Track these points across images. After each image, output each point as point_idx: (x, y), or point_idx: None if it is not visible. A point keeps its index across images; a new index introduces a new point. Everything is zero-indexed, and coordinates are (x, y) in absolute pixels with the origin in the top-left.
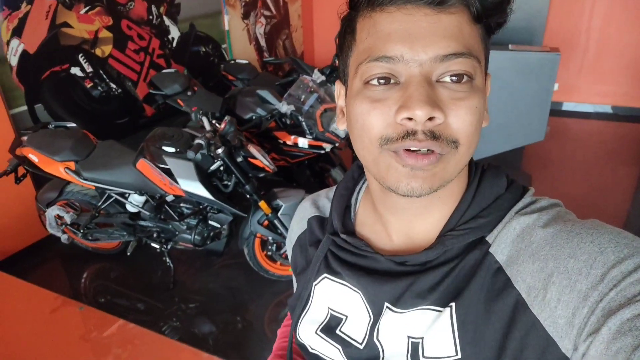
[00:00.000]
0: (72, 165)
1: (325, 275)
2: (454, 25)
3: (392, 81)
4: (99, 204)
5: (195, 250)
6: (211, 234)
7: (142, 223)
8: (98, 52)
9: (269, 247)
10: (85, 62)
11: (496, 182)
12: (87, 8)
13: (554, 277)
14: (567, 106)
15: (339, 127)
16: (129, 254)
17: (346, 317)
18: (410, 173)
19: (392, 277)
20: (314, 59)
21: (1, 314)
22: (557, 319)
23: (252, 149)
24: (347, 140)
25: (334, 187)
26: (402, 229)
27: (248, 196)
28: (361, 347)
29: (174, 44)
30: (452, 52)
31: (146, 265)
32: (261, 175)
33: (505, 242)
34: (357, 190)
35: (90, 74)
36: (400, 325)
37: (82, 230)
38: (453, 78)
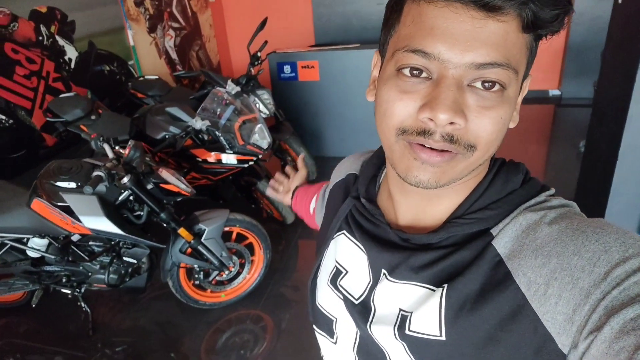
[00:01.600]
0: None
1: (343, 231)
2: (500, 33)
3: (423, 74)
4: None
5: (115, 289)
6: (129, 270)
7: (48, 268)
8: None
9: (196, 276)
10: None
11: (511, 178)
12: None
13: (556, 273)
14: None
15: (368, 97)
16: (34, 305)
17: (347, 272)
18: (421, 166)
19: (393, 247)
20: (232, 68)
21: None
22: (557, 315)
23: (165, 173)
24: (271, 149)
25: (371, 152)
26: (410, 210)
27: (165, 225)
28: (356, 302)
29: (72, 65)
30: (490, 62)
31: (59, 313)
32: (178, 199)
33: (510, 236)
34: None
35: None
36: (394, 295)
37: None
38: (485, 85)
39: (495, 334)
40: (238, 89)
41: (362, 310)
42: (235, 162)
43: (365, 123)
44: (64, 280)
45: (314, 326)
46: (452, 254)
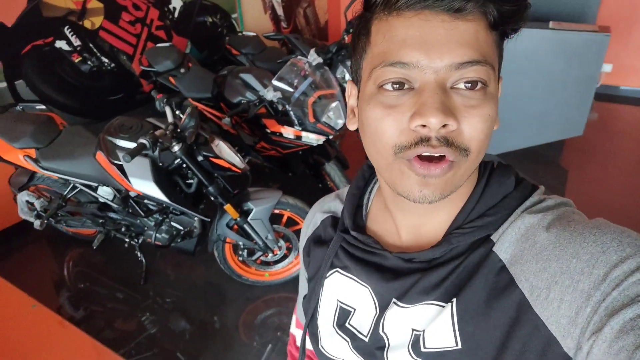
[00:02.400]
0: (32, 153)
1: (336, 269)
2: (471, 32)
3: (406, 86)
4: (65, 193)
5: (168, 248)
6: (180, 232)
7: (112, 215)
8: (87, 24)
9: (240, 253)
10: (72, 35)
11: (504, 181)
12: None
13: (557, 277)
14: (622, 91)
15: (350, 126)
16: (94, 247)
17: (354, 310)
18: (423, 181)
19: (399, 274)
20: (340, 30)
21: None
22: (560, 318)
23: (220, 146)
24: (344, 131)
25: (346, 188)
26: (411, 226)
27: (212, 198)
28: (366, 339)
29: (176, 14)
30: (468, 60)
31: (121, 256)
32: (229, 174)
33: (510, 241)
34: (369, 189)
35: (78, 48)
36: (405, 319)
37: (48, 220)
38: (467, 85)
39: (504, 339)
40: (320, 60)
41: (375, 345)
42: (296, 137)
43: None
44: (123, 229)
45: None
46: (458, 267)
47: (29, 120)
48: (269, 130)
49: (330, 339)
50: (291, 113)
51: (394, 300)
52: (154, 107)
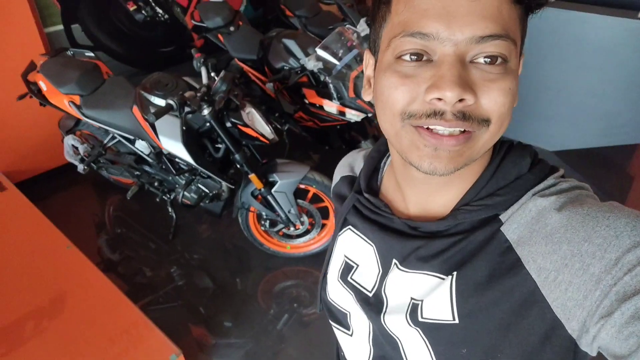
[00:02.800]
0: (76, 99)
1: (349, 227)
2: (494, 5)
3: (424, 58)
4: (106, 142)
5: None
6: (209, 194)
7: (147, 169)
8: None
9: (263, 223)
10: None
11: (519, 161)
12: None
13: (567, 260)
14: None
15: (365, 97)
16: (128, 197)
17: (357, 265)
18: (434, 153)
19: (403, 237)
20: None
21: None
22: (567, 301)
23: (252, 114)
24: None
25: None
26: (419, 201)
27: (238, 166)
28: (370, 294)
29: None
30: (490, 34)
31: (154, 209)
32: (256, 143)
33: (519, 222)
34: (387, 155)
35: None
36: (405, 284)
37: (89, 165)
38: (487, 59)
39: (506, 319)
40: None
41: (375, 302)
42: (335, 112)
43: (528, 98)
44: (156, 184)
45: (329, 319)
46: (461, 242)
47: (76, 67)
48: (307, 101)
49: (337, 291)
50: (331, 85)
51: (394, 261)
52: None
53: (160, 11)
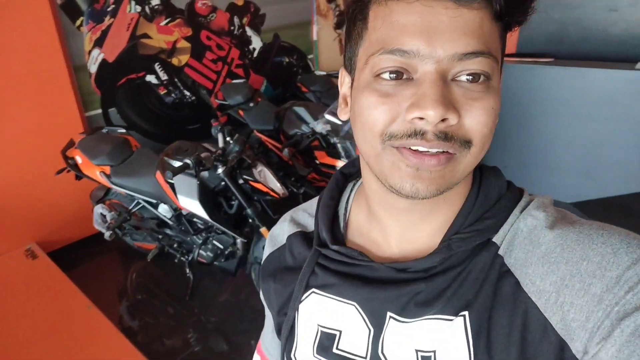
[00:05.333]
0: (107, 169)
1: (312, 290)
2: (476, 21)
3: (404, 76)
4: (131, 207)
5: (212, 266)
6: (225, 252)
7: (167, 231)
8: (175, 61)
9: None
10: (161, 71)
11: (496, 182)
12: (168, 20)
13: (566, 280)
14: None
15: (341, 116)
16: (149, 259)
17: (340, 332)
18: (416, 173)
19: (393, 285)
20: None
21: (26, 294)
22: (570, 322)
23: (263, 172)
24: None
25: (313, 200)
26: (403, 233)
27: (250, 220)
28: None
29: (255, 54)
30: (472, 51)
31: (173, 271)
32: (268, 198)
33: (513, 244)
34: (346, 199)
35: (164, 82)
36: (407, 337)
37: (114, 231)
38: (469, 77)
39: (518, 346)
40: None
41: None
42: None
43: (542, 152)
44: (176, 245)
45: None
46: (461, 274)
47: (108, 141)
48: (318, 162)
49: None
50: (339, 145)
51: (390, 315)
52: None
53: (188, 93)
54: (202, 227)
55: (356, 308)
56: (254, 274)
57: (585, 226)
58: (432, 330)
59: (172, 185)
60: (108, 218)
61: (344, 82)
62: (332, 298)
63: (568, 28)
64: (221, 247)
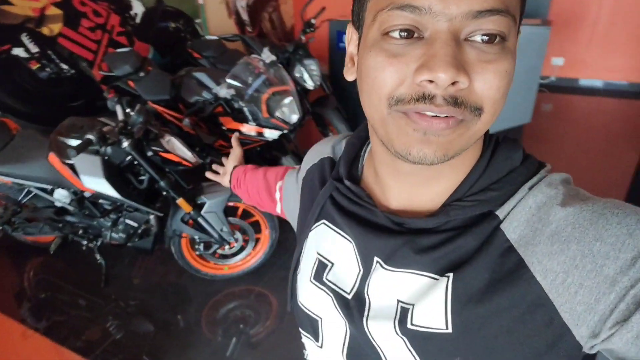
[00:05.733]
0: None
1: (323, 221)
2: None
3: (415, 35)
4: (20, 198)
5: (126, 247)
6: (138, 231)
7: (69, 219)
8: (45, 30)
9: (197, 247)
10: (30, 42)
11: (511, 155)
12: None
13: (577, 260)
14: (580, 83)
15: (347, 76)
16: (51, 252)
17: (332, 264)
18: (423, 138)
19: (386, 233)
20: None
21: None
22: (576, 305)
23: (171, 142)
24: (298, 125)
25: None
26: (404, 195)
27: (164, 193)
28: (349, 296)
29: (137, 20)
30: (488, 8)
31: (80, 261)
32: (180, 169)
33: (519, 220)
34: (368, 142)
35: (36, 55)
36: (391, 285)
37: (4, 226)
38: (484, 38)
39: (507, 325)
40: (273, 58)
41: (355, 305)
42: (253, 134)
43: None
44: (81, 232)
45: (299, 327)
46: (454, 239)
47: None
48: (225, 128)
49: (310, 294)
50: (245, 109)
51: (377, 259)
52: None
53: (66, 67)
54: (109, 207)
55: (353, 246)
56: (173, 247)
57: (599, 205)
58: (416, 284)
59: (71, 167)
60: None
61: (351, 40)
62: (336, 232)
63: None
64: (135, 225)
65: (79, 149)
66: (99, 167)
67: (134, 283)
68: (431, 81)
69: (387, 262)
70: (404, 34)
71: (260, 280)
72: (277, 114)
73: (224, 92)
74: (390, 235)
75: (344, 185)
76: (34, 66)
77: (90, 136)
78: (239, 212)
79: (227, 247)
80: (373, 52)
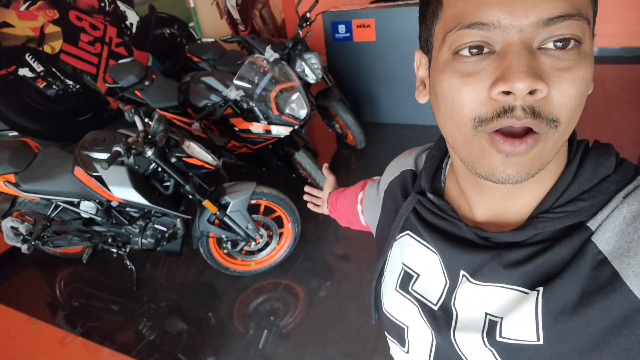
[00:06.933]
0: (11, 177)
1: (407, 232)
2: None
3: (485, 50)
4: (49, 213)
5: (155, 251)
6: (165, 235)
7: (96, 229)
8: (47, 49)
9: (224, 246)
10: (33, 62)
11: (602, 162)
12: (28, 4)
13: None
14: None
15: (419, 99)
16: (84, 261)
17: (418, 275)
18: (506, 159)
19: (472, 247)
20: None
21: None
22: None
23: (191, 147)
24: (307, 119)
25: (432, 145)
26: (488, 208)
27: (190, 197)
28: (435, 307)
29: (134, 30)
30: (559, 14)
31: (109, 269)
32: (203, 172)
33: (612, 230)
34: (444, 164)
35: (41, 73)
36: (478, 298)
37: (35, 241)
38: (558, 44)
39: (603, 339)
40: (277, 56)
41: (442, 316)
42: (262, 132)
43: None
44: (110, 240)
45: (385, 331)
46: (543, 252)
47: (4, 147)
48: (237, 129)
49: (395, 303)
50: (255, 109)
51: (463, 273)
52: (124, 122)
53: (71, 82)
54: (136, 215)
55: (439, 258)
56: (202, 248)
57: None
58: (505, 298)
59: (98, 179)
60: (22, 230)
61: (420, 64)
62: (421, 243)
63: None
64: (164, 229)
65: (110, 161)
66: (126, 177)
67: (164, 285)
68: (508, 93)
69: (474, 276)
70: (474, 50)
71: (287, 273)
72: (287, 110)
73: (233, 93)
74: (476, 249)
75: (427, 198)
76: (41, 85)
77: (118, 148)
78: (262, 209)
79: (253, 243)
80: (446, 74)
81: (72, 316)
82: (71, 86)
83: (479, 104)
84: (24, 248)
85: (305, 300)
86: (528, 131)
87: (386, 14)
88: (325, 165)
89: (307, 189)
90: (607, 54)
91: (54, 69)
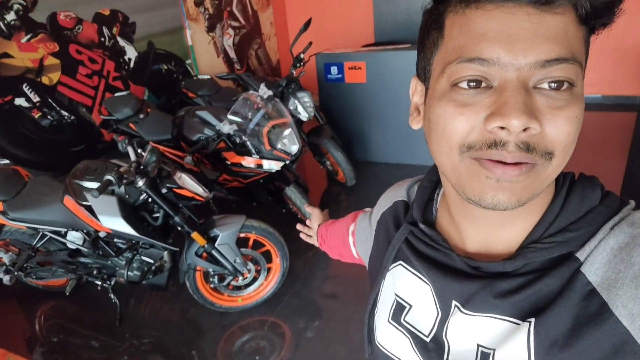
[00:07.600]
0: (0, 205)
1: (400, 262)
2: (560, 27)
3: (483, 84)
4: (34, 242)
5: (141, 285)
6: (151, 267)
7: (82, 260)
8: (45, 80)
9: (211, 280)
10: (30, 92)
11: (588, 193)
12: (29, 36)
13: None
14: None
15: (413, 125)
16: (67, 293)
17: (410, 306)
18: (497, 185)
19: (463, 276)
20: None
21: None
22: None
23: (183, 178)
24: (299, 155)
25: (423, 177)
26: (479, 237)
27: (179, 228)
28: (427, 339)
29: (132, 65)
30: (555, 58)
31: (92, 302)
32: (193, 204)
33: (600, 261)
34: (435, 195)
35: (37, 104)
36: (470, 329)
37: (18, 272)
38: (552, 85)
39: None
40: (270, 93)
41: (434, 348)
42: (253, 166)
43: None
44: (95, 272)
45: None
46: (534, 282)
47: None
48: (229, 162)
49: (388, 335)
50: (248, 143)
51: (455, 303)
52: (117, 154)
53: (66, 114)
54: (123, 246)
55: (431, 289)
56: (188, 282)
57: None
58: (497, 329)
59: (88, 208)
60: (6, 260)
61: (415, 91)
62: (414, 274)
63: (413, 17)
64: (151, 261)
65: (101, 190)
66: (115, 207)
67: (148, 320)
68: (503, 128)
69: (466, 306)
70: (472, 83)
71: (274, 311)
72: (279, 145)
73: (226, 127)
74: (467, 279)
75: (419, 229)
76: (36, 114)
77: (109, 177)
78: (250, 242)
79: (240, 278)
80: (443, 102)
81: (50, 352)
82: (66, 117)
83: (470, 132)
84: (6, 279)
85: (292, 341)
86: (519, 163)
87: (377, 57)
88: (306, 204)
89: (299, 226)
90: (588, 101)
91: (50, 100)
